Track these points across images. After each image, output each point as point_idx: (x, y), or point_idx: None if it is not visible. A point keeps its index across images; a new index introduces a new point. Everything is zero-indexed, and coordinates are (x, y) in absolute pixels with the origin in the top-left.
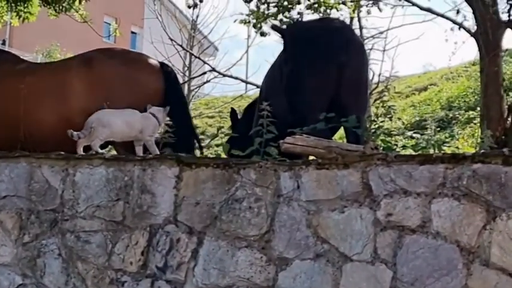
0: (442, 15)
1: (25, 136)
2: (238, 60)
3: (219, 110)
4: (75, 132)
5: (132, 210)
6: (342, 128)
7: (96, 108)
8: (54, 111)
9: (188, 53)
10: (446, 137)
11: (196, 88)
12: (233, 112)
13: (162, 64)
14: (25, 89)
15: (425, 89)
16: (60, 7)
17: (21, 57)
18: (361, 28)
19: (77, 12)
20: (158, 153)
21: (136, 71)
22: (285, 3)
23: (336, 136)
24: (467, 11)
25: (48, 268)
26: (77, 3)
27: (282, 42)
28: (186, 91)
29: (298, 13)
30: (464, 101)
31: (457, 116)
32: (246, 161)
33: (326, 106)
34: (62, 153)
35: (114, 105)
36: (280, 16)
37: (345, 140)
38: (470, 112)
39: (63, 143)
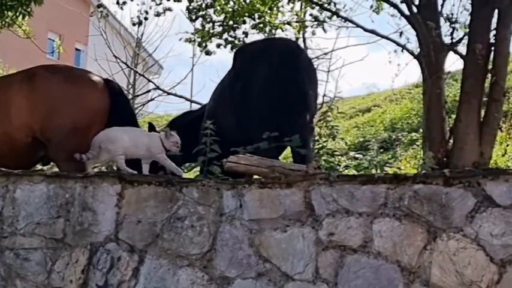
0: (386, 37)
1: None
2: (183, 79)
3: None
4: (83, 155)
5: (72, 227)
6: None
7: (37, 124)
8: None
9: (132, 71)
10: (389, 158)
11: (140, 106)
12: (151, 127)
13: (107, 81)
14: None
15: (368, 110)
16: (3, 22)
17: None
18: (306, 48)
19: (20, 27)
20: (175, 168)
21: (80, 88)
22: (230, 22)
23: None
24: (410, 33)
25: None
26: (20, 18)
27: (232, 60)
28: None
29: (244, 32)
30: (407, 123)
31: (400, 137)
32: (189, 179)
33: (275, 125)
34: (2, 169)
35: (57, 122)
36: (225, 35)
37: (290, 160)
38: (413, 134)
39: (4, 159)
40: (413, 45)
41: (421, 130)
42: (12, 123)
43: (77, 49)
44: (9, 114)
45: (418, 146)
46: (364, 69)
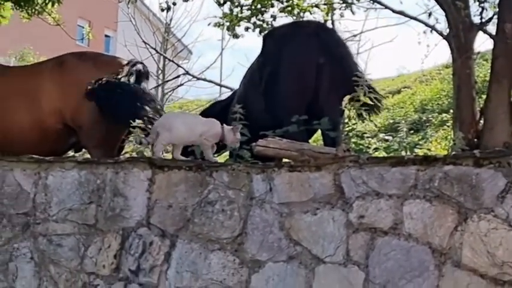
0: (415, 18)
1: None
2: (212, 64)
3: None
4: (144, 139)
5: (104, 213)
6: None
7: (68, 111)
8: (27, 115)
9: (162, 56)
10: (419, 140)
11: (170, 91)
12: None
13: (131, 63)
14: None
15: (398, 91)
16: (33, 10)
17: None
18: None
19: (50, 15)
20: (213, 159)
21: (108, 74)
22: (258, 6)
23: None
24: (439, 13)
25: (20, 272)
26: (49, 6)
27: (261, 45)
28: (160, 94)
29: (272, 16)
30: (438, 104)
31: (431, 118)
32: (219, 164)
33: (304, 109)
34: (34, 156)
35: (87, 109)
36: (253, 19)
37: (320, 143)
38: (444, 115)
39: (36, 146)
40: (443, 25)
41: (451, 111)
42: (43, 110)
43: (106, 35)
44: (40, 101)
45: (448, 127)
46: (393, 50)
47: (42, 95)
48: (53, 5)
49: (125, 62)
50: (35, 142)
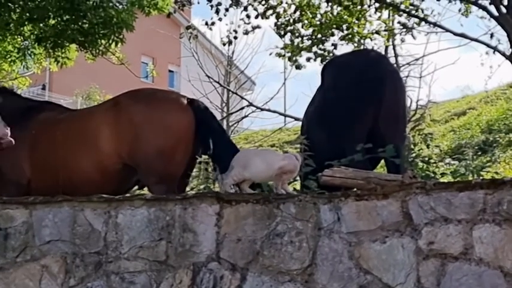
0: (476, 40)
1: (64, 181)
2: (275, 94)
3: (259, 144)
4: (219, 175)
5: (174, 249)
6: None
7: (125, 152)
8: (88, 157)
9: (225, 89)
10: (487, 161)
11: (235, 123)
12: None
13: (190, 100)
14: (60, 136)
15: (464, 113)
16: (97, 51)
17: (62, 103)
18: (396, 56)
19: (114, 54)
20: (281, 192)
21: (162, 112)
22: (319, 35)
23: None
24: (501, 34)
25: None
26: (113, 46)
27: (320, 76)
28: (225, 127)
29: (333, 44)
30: (504, 124)
31: (498, 139)
32: (286, 195)
33: (365, 137)
34: (104, 195)
35: (143, 148)
36: (314, 48)
37: (385, 170)
38: (511, 135)
39: (100, 187)
40: (505, 46)
41: None
42: (102, 152)
43: (170, 71)
44: (98, 143)
45: None
46: (456, 72)
47: (100, 136)
48: (116, 45)
49: (181, 98)
50: (98, 183)
